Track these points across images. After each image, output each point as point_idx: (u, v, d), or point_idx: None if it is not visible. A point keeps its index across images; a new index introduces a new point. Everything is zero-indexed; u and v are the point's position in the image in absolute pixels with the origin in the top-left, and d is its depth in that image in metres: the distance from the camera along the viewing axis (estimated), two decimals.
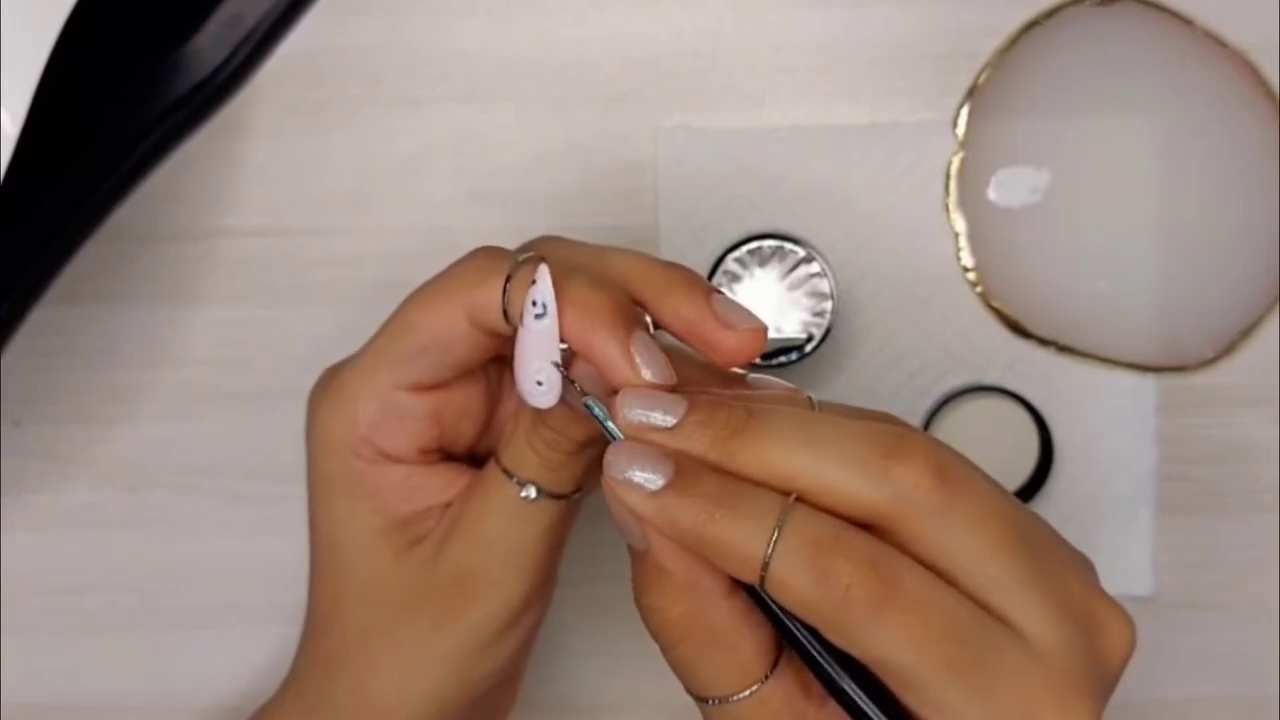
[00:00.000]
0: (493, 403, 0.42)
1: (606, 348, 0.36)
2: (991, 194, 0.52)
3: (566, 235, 0.52)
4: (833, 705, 0.36)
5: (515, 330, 0.37)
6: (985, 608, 0.34)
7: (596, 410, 0.36)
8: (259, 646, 0.53)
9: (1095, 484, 0.52)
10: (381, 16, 0.52)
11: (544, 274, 0.36)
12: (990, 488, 0.36)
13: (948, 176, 0.52)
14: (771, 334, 0.50)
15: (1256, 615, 0.53)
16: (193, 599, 0.54)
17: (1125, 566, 0.52)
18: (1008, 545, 0.35)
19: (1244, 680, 0.53)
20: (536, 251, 0.38)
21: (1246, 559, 0.53)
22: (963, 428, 0.52)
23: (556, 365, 0.36)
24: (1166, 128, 0.51)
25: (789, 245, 0.51)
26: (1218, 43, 0.52)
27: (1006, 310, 0.52)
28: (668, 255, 0.52)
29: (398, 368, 0.40)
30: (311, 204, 0.53)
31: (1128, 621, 0.37)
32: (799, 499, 0.34)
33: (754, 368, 0.51)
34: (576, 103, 0.52)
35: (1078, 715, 0.35)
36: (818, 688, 0.36)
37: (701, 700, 0.37)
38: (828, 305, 0.50)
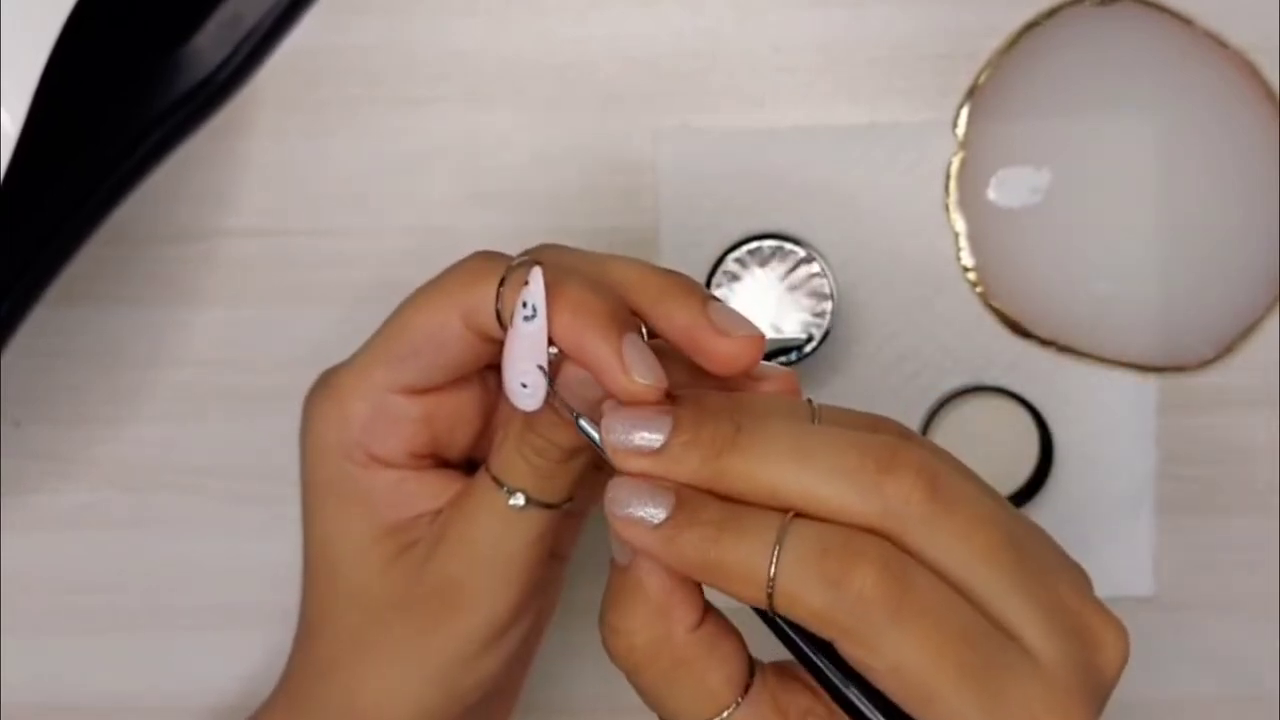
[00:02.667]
0: (488, 411, 0.42)
1: (598, 349, 0.36)
2: (991, 194, 0.52)
3: (567, 235, 0.52)
4: None
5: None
6: (986, 616, 0.34)
7: (589, 430, 0.36)
8: (259, 646, 0.53)
9: (1095, 484, 0.52)
10: (381, 16, 0.52)
11: (536, 276, 0.36)
12: (983, 497, 0.35)
13: (948, 176, 0.52)
14: (771, 334, 0.50)
15: (1256, 615, 0.53)
16: (193, 599, 0.54)
17: (1125, 566, 0.52)
18: (1000, 555, 0.34)
19: (1244, 680, 0.53)
20: (534, 256, 0.38)
21: (1246, 559, 0.53)
22: (963, 428, 0.52)
23: (542, 368, 0.36)
24: (1166, 128, 0.51)
25: (789, 245, 0.51)
26: (1218, 43, 0.52)
27: (1006, 310, 0.52)
28: (668, 255, 0.52)
29: (391, 368, 0.40)
30: (311, 204, 0.53)
31: (1122, 632, 0.36)
32: (799, 515, 0.34)
33: None
34: (576, 103, 0.52)
35: None
36: (794, 708, 0.36)
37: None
38: (828, 305, 0.50)
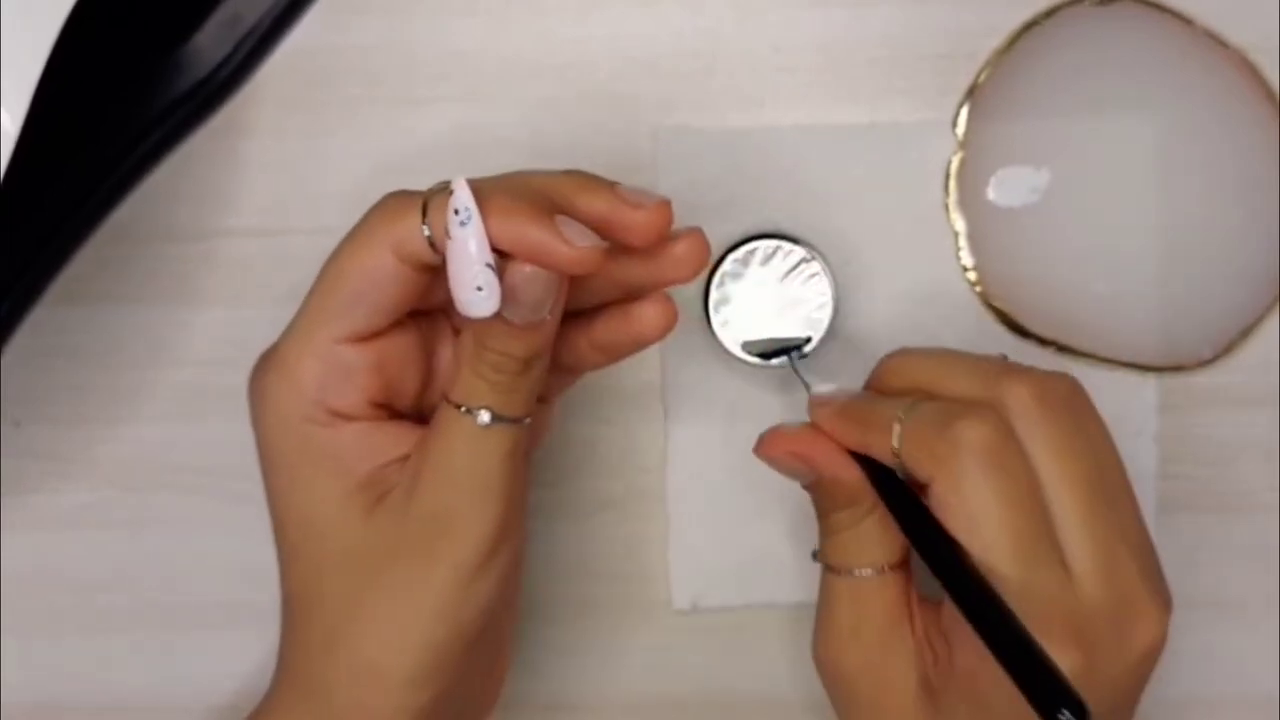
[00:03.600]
0: (428, 355, 0.43)
1: (537, 234, 0.38)
2: (991, 194, 0.52)
3: None
4: (939, 609, 0.43)
5: (441, 260, 0.38)
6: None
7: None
8: (259, 646, 0.53)
9: None
10: (381, 16, 0.52)
11: (460, 183, 0.38)
12: (1082, 430, 0.42)
13: (948, 176, 0.52)
14: (771, 334, 0.51)
15: (1256, 615, 0.53)
16: (193, 599, 0.54)
17: None
18: (1080, 486, 0.41)
19: (1244, 680, 0.53)
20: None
21: (1246, 559, 0.53)
22: None
23: (490, 267, 0.38)
24: (1166, 128, 0.51)
25: (789, 245, 0.51)
26: (1218, 43, 0.52)
27: (1006, 310, 0.52)
28: None
29: (335, 321, 0.40)
30: (311, 204, 0.53)
31: (1160, 620, 0.41)
32: None
33: (754, 368, 0.51)
34: (576, 103, 0.52)
35: (1067, 667, 0.38)
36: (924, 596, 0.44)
37: (834, 571, 0.45)
38: (828, 305, 0.50)
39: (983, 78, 0.52)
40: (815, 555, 0.46)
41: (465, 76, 0.52)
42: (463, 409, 0.40)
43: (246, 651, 0.53)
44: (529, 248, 0.38)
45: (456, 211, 0.38)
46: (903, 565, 0.45)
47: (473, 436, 0.40)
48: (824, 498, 0.45)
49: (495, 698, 0.46)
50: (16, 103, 0.42)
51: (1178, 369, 0.52)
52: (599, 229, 0.39)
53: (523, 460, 0.42)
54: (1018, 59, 0.52)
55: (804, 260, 0.50)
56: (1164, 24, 0.52)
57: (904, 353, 0.45)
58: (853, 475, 0.44)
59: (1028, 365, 0.43)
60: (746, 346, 0.50)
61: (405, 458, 0.42)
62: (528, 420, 0.41)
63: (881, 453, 0.43)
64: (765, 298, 0.51)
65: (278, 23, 0.50)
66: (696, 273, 0.41)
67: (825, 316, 0.50)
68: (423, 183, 0.52)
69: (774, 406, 0.52)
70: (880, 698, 0.44)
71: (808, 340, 0.50)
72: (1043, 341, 0.52)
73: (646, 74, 0.52)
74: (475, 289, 0.38)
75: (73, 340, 0.53)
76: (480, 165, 0.52)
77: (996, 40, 0.52)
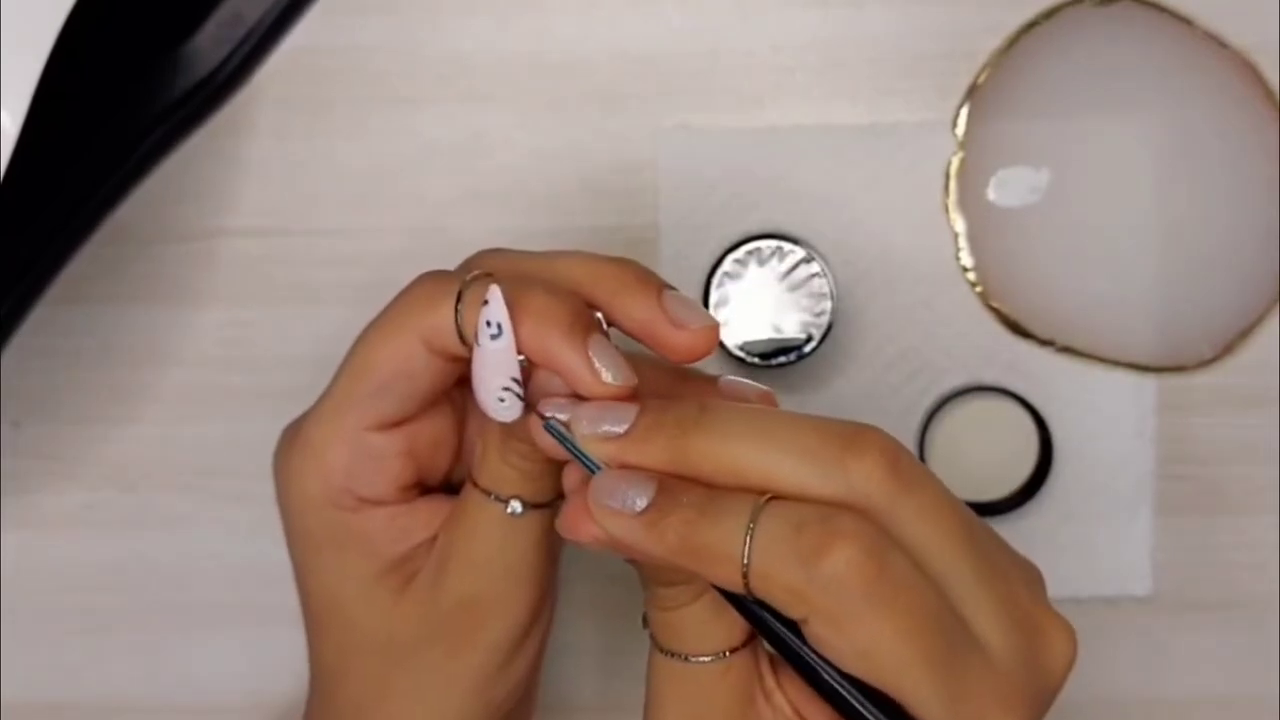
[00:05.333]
0: (461, 426, 0.42)
1: (565, 356, 0.36)
2: (991, 194, 0.52)
3: (567, 236, 0.52)
4: (791, 676, 0.36)
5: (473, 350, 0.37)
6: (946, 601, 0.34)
7: (562, 435, 0.36)
8: (259, 646, 0.53)
9: (1095, 484, 0.52)
10: (381, 16, 0.52)
11: (495, 294, 0.36)
12: (942, 485, 0.35)
13: (947, 176, 0.52)
14: (771, 334, 0.50)
15: (1256, 615, 0.53)
16: (193, 599, 0.54)
17: (1125, 566, 0.52)
18: (963, 543, 0.34)
19: (1244, 680, 0.53)
20: (481, 267, 0.38)
21: (1246, 559, 0.53)
22: (963, 428, 0.52)
23: (516, 380, 0.36)
24: (1166, 128, 0.51)
25: (789, 245, 0.51)
26: (1218, 43, 0.52)
27: (1006, 310, 0.52)
28: (668, 255, 0.52)
29: (363, 408, 0.39)
30: (311, 204, 0.53)
31: (1071, 634, 0.36)
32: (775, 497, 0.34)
33: (754, 368, 0.51)
34: (576, 103, 0.52)
35: None
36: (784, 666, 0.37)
37: (666, 653, 0.38)
38: (828, 305, 0.50)
39: (983, 78, 0.52)
40: (644, 622, 0.39)
41: (465, 76, 0.52)
42: (491, 495, 0.39)
43: (246, 651, 0.53)
44: (556, 369, 0.36)
45: (489, 323, 0.36)
46: (748, 644, 0.38)
47: (503, 525, 0.39)
48: (647, 570, 0.38)
49: None
50: (16, 103, 0.42)
51: (1178, 369, 0.52)
52: (634, 335, 0.38)
53: (554, 541, 0.40)
54: (1018, 59, 0.52)
55: (804, 260, 0.50)
56: (1164, 25, 0.52)
57: (702, 428, 0.35)
58: None
59: (853, 424, 0.35)
60: (746, 347, 0.50)
61: (434, 539, 0.40)
62: (559, 502, 0.39)
63: (726, 584, 0.35)
64: (765, 298, 0.51)
65: (278, 23, 0.50)
66: (696, 360, 0.39)
67: (825, 316, 0.50)
68: (422, 183, 0.52)
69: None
70: None
71: (808, 340, 0.50)
72: (1042, 341, 0.52)
73: (646, 74, 0.52)
74: (498, 399, 0.36)
75: (73, 340, 0.53)
76: (480, 165, 0.52)
77: (996, 40, 0.52)
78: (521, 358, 0.36)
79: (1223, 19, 0.51)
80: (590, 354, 0.36)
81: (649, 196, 0.52)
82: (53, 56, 0.42)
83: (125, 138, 0.48)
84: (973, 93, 0.52)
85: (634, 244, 0.52)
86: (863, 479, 0.34)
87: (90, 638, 0.54)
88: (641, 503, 0.35)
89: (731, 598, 0.35)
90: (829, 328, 0.50)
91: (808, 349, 0.50)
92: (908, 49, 0.52)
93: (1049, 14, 0.52)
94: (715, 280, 0.51)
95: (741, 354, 0.50)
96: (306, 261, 0.53)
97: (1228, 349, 0.52)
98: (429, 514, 0.40)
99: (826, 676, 0.34)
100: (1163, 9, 0.52)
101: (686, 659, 0.37)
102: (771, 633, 0.35)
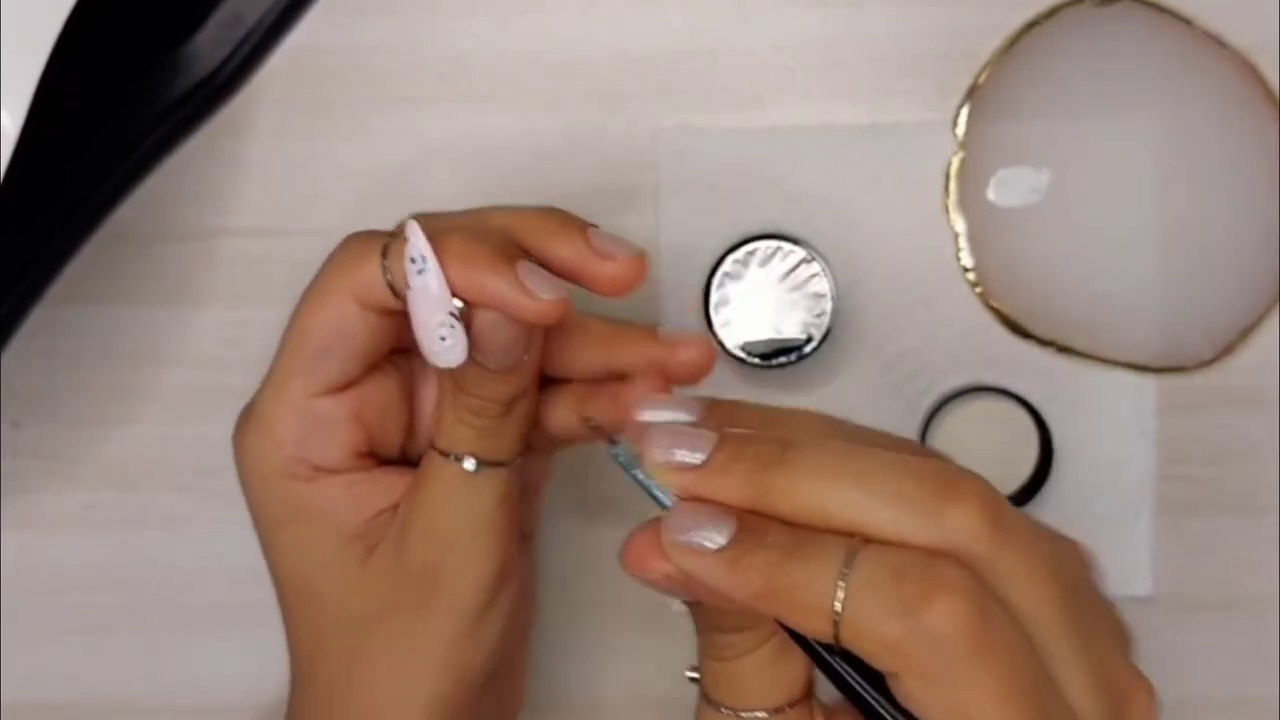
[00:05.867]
0: (410, 395, 0.42)
1: (496, 284, 0.36)
2: (991, 194, 0.52)
3: None
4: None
5: (405, 305, 0.37)
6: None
7: (623, 457, 0.35)
8: (259, 646, 0.53)
9: (1095, 484, 0.52)
10: (381, 16, 0.52)
11: (414, 229, 0.36)
12: (1041, 536, 0.33)
13: (948, 176, 0.52)
14: (771, 334, 0.50)
15: (1256, 615, 0.53)
16: (193, 599, 0.54)
17: (1125, 566, 0.52)
18: (1062, 603, 0.32)
19: (1244, 680, 0.53)
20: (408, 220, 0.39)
21: (1246, 559, 0.53)
22: (963, 428, 0.52)
23: (453, 315, 0.36)
24: (1166, 128, 0.51)
25: (789, 245, 0.51)
26: (1218, 43, 0.52)
27: (1006, 310, 0.52)
28: (668, 255, 0.52)
29: (306, 375, 0.39)
30: (311, 204, 0.53)
31: (1152, 694, 0.34)
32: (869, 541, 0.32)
33: (754, 369, 0.51)
34: (576, 103, 0.52)
35: None
36: None
37: (716, 705, 0.36)
38: (827, 305, 0.50)
39: (983, 78, 0.52)
40: (692, 676, 0.37)
41: (465, 76, 0.52)
42: (449, 456, 0.39)
43: (246, 651, 0.53)
44: (489, 299, 0.36)
45: (413, 260, 0.36)
46: (805, 698, 0.36)
47: (461, 484, 0.39)
48: (706, 615, 0.36)
49: None
50: (16, 103, 0.42)
51: (1178, 369, 0.52)
52: (566, 275, 0.38)
53: (515, 504, 0.40)
54: (1018, 59, 0.52)
55: (804, 260, 0.50)
56: (1164, 25, 0.52)
57: (786, 465, 0.33)
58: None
59: (950, 467, 0.33)
60: (747, 347, 0.50)
61: (394, 506, 0.41)
62: (518, 461, 0.40)
63: (813, 633, 0.32)
64: (765, 298, 0.51)
65: (278, 23, 0.50)
66: (695, 381, 0.39)
67: (825, 317, 0.50)
68: (422, 183, 0.52)
69: None
70: None
71: (808, 340, 0.50)
72: (1043, 342, 0.52)
73: (646, 74, 0.52)
74: (440, 339, 0.36)
75: (73, 340, 0.53)
76: (480, 165, 0.52)
77: (996, 40, 0.52)
78: (457, 303, 0.36)
79: (1223, 19, 0.51)
80: (521, 277, 0.36)
81: (649, 196, 0.52)
82: (53, 56, 0.42)
83: (125, 138, 0.48)
84: (973, 93, 0.52)
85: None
86: (960, 529, 0.31)
87: (90, 638, 0.54)
88: (721, 539, 0.32)
89: (807, 646, 0.33)
90: (829, 328, 0.50)
91: (808, 349, 0.50)
92: (908, 49, 0.52)
93: (1049, 14, 0.52)
94: (715, 280, 0.51)
95: (741, 354, 0.50)
96: (306, 261, 0.52)
97: (1228, 349, 0.52)
98: (388, 483, 0.41)
99: None
100: (1163, 9, 0.52)
101: (738, 714, 0.35)
102: (851, 686, 0.33)
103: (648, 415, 0.35)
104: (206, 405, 0.53)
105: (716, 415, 0.35)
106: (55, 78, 0.42)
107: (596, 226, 0.39)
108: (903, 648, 0.31)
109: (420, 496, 0.40)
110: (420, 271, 0.36)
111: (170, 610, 0.54)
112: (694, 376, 0.39)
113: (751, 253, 0.51)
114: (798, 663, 0.35)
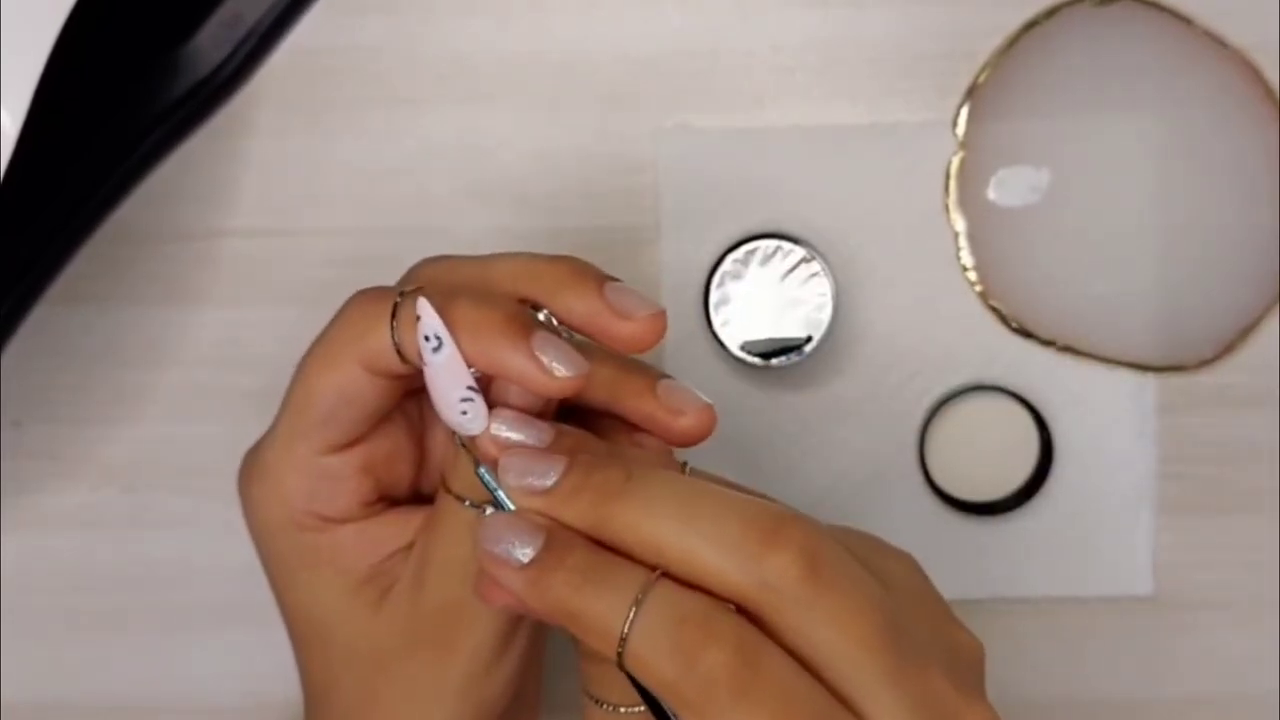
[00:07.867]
0: (419, 436, 0.41)
1: (511, 359, 0.36)
2: (991, 194, 0.52)
3: (567, 236, 0.52)
4: None
5: (416, 367, 0.37)
6: (845, 703, 0.33)
7: (487, 479, 0.36)
8: (259, 646, 0.53)
9: (1095, 484, 0.52)
10: (381, 16, 0.52)
11: (425, 307, 0.36)
12: (862, 581, 0.34)
13: (948, 176, 0.52)
14: (771, 334, 0.50)
15: (1256, 615, 0.53)
16: (193, 599, 0.54)
17: (1125, 566, 0.52)
18: (873, 642, 0.34)
19: (1244, 680, 0.53)
20: (415, 279, 0.38)
21: (1246, 559, 0.53)
22: (963, 428, 0.52)
23: (472, 389, 0.36)
24: (1166, 127, 0.51)
25: (789, 245, 0.51)
26: (1218, 43, 0.52)
27: (1006, 310, 0.52)
28: (668, 255, 0.52)
29: (312, 436, 0.39)
30: (312, 204, 0.53)
31: (984, 715, 0.35)
32: (668, 575, 0.34)
33: (754, 369, 0.51)
34: (576, 103, 0.52)
35: None
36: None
37: (596, 702, 0.37)
38: (828, 305, 0.50)
39: (983, 78, 0.52)
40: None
41: (465, 76, 0.52)
42: (465, 502, 0.38)
43: (246, 651, 0.53)
44: (505, 374, 0.36)
45: (427, 338, 0.36)
46: None
47: (477, 520, 0.38)
48: None
49: None
50: (16, 103, 0.42)
51: (1178, 369, 0.52)
52: (579, 329, 0.37)
53: None
54: (1018, 59, 0.52)
55: (804, 260, 0.50)
56: (1164, 24, 0.52)
57: (625, 498, 0.34)
58: None
59: (779, 513, 0.34)
60: (746, 346, 0.50)
61: (408, 546, 0.40)
62: None
63: (603, 654, 0.34)
64: (765, 298, 0.51)
65: (278, 23, 0.50)
66: (695, 443, 0.39)
67: (825, 316, 0.50)
68: (422, 182, 0.52)
69: (774, 406, 0.52)
70: None
71: (808, 340, 0.50)
72: (1043, 341, 0.52)
73: (646, 74, 0.52)
74: (461, 413, 0.36)
75: (73, 340, 0.53)
76: (480, 165, 0.52)
77: (996, 40, 0.52)
78: (473, 370, 0.36)
79: (1223, 19, 0.51)
80: (536, 352, 0.36)
81: (649, 196, 0.52)
82: (53, 56, 0.42)
83: (125, 138, 0.48)
84: (973, 93, 0.52)
85: (634, 244, 0.52)
86: (777, 575, 0.33)
87: (90, 638, 0.54)
88: (527, 554, 0.34)
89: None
90: (829, 328, 0.50)
91: (808, 349, 0.50)
92: (908, 49, 0.52)
93: (1049, 13, 0.52)
94: (715, 280, 0.51)
95: (741, 354, 0.50)
96: (306, 261, 0.53)
97: (1228, 349, 0.52)
98: (400, 523, 0.40)
99: None
100: (1163, 9, 0.52)
101: (617, 709, 0.37)
102: (651, 701, 0.35)
103: (497, 428, 0.36)
104: (206, 405, 0.53)
105: (565, 442, 0.36)
106: (55, 78, 0.42)
107: (617, 280, 0.38)
108: (677, 688, 0.33)
109: (436, 535, 0.39)
110: (435, 350, 0.36)
111: (170, 610, 0.54)
112: (691, 444, 0.38)
113: (751, 252, 0.51)
114: None
